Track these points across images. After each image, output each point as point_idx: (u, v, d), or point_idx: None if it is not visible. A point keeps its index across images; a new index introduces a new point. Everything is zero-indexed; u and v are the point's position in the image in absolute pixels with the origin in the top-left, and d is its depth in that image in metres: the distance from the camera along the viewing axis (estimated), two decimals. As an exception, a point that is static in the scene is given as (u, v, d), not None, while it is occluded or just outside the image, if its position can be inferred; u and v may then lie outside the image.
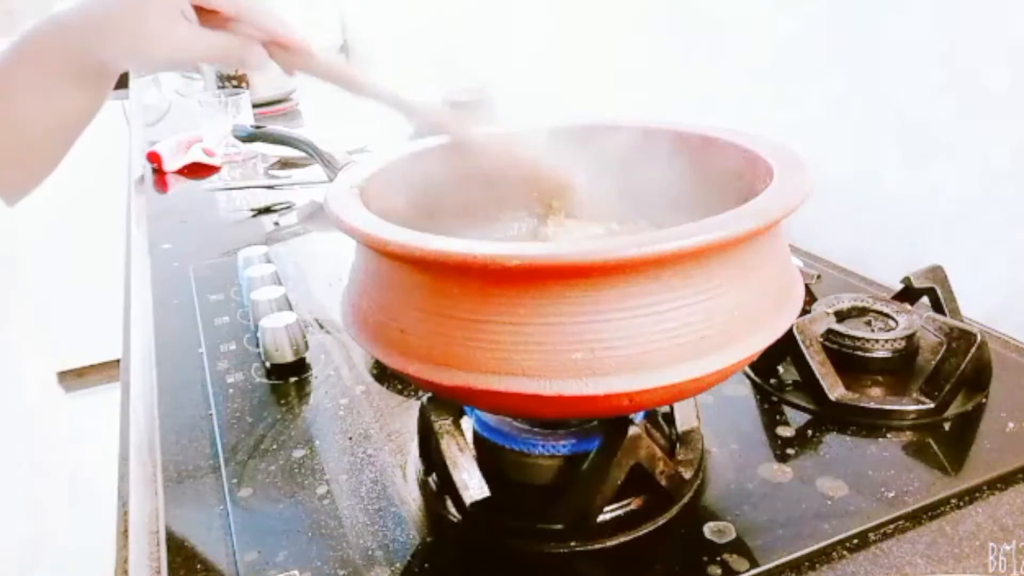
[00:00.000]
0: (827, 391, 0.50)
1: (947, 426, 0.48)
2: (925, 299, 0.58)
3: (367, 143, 1.14)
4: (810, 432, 0.48)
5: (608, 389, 0.33)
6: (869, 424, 0.48)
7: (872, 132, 0.71)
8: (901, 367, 0.53)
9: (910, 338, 0.53)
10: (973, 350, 0.49)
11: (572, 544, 0.40)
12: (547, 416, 0.42)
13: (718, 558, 0.39)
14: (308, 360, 0.60)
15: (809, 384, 0.51)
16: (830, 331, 0.54)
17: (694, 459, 0.45)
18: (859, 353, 0.53)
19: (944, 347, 0.50)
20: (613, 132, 0.51)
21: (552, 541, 0.40)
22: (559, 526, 0.41)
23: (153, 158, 1.18)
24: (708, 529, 0.41)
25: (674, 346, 0.34)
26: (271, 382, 0.58)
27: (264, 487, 0.46)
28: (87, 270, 2.18)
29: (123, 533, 0.47)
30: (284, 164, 1.14)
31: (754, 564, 0.38)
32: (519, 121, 0.54)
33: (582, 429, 0.43)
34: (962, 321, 0.55)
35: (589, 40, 1.13)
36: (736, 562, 0.38)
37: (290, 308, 0.64)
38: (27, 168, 0.54)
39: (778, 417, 0.50)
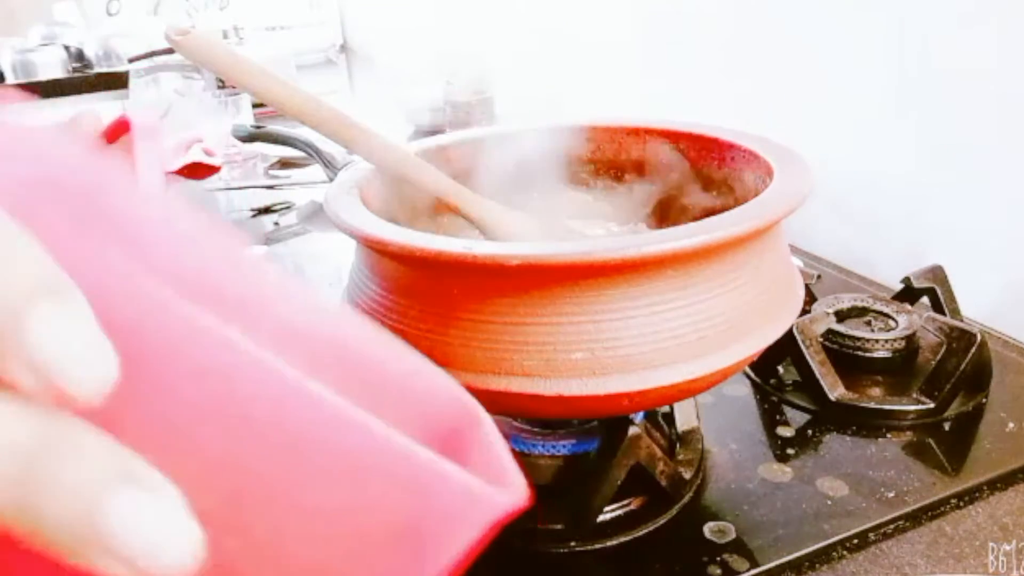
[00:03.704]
0: (827, 391, 0.50)
1: (947, 426, 0.48)
2: (925, 299, 0.58)
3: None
4: (810, 432, 0.48)
5: (608, 389, 0.33)
6: (869, 424, 0.48)
7: (872, 132, 0.71)
8: (901, 367, 0.53)
9: (910, 338, 0.53)
10: (973, 350, 0.49)
11: (572, 544, 0.40)
12: (547, 416, 0.42)
13: (718, 558, 0.39)
14: (308, 360, 0.60)
15: (809, 384, 0.51)
16: (830, 331, 0.54)
17: (694, 459, 0.45)
18: (859, 353, 0.53)
19: (944, 347, 0.50)
20: (613, 132, 0.51)
21: (552, 541, 0.40)
22: (559, 526, 0.41)
23: (153, 158, 1.18)
24: (708, 529, 0.41)
25: (674, 346, 0.34)
26: (271, 382, 0.58)
27: (264, 487, 0.46)
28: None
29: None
30: (284, 164, 1.14)
31: (754, 564, 0.38)
32: (519, 121, 0.54)
33: (582, 429, 0.43)
34: (962, 321, 0.55)
35: (589, 39, 1.13)
36: (736, 562, 0.38)
37: (290, 308, 0.63)
38: None
39: (778, 417, 0.50)
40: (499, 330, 0.34)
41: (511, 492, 0.18)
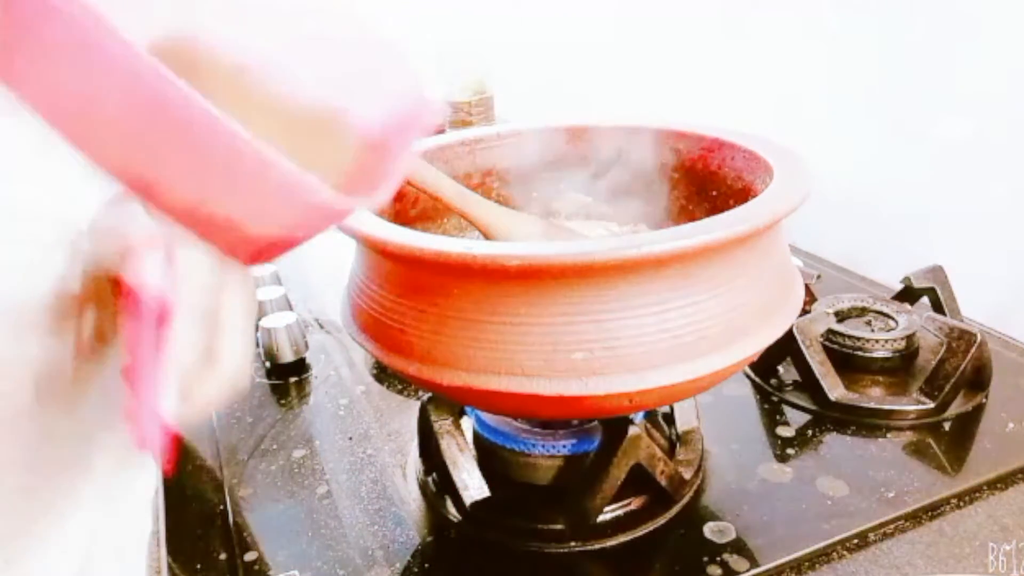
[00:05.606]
0: (827, 391, 0.50)
1: (947, 426, 0.48)
2: (925, 299, 0.58)
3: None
4: (810, 432, 0.48)
5: (608, 389, 0.33)
6: (869, 424, 0.48)
7: (872, 132, 0.71)
8: (901, 367, 0.53)
9: (910, 338, 0.53)
10: (973, 350, 0.49)
11: (572, 544, 0.40)
12: (547, 416, 0.42)
13: (718, 558, 0.39)
14: (308, 360, 0.60)
15: (809, 384, 0.51)
16: (830, 331, 0.54)
17: (694, 459, 0.45)
18: (859, 353, 0.53)
19: (944, 347, 0.50)
20: (613, 132, 0.51)
21: (552, 541, 0.40)
22: (559, 526, 0.41)
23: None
24: (708, 529, 0.41)
25: (674, 346, 0.34)
26: (271, 382, 0.58)
27: (264, 487, 0.46)
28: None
29: (123, 533, 0.47)
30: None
31: (754, 564, 0.38)
32: (520, 121, 0.54)
33: (582, 429, 0.43)
34: (962, 321, 0.55)
35: (590, 40, 1.13)
36: (736, 562, 0.38)
37: (290, 308, 0.64)
38: None
39: (778, 417, 0.50)
40: (499, 330, 0.33)
41: (362, 201, 0.23)
